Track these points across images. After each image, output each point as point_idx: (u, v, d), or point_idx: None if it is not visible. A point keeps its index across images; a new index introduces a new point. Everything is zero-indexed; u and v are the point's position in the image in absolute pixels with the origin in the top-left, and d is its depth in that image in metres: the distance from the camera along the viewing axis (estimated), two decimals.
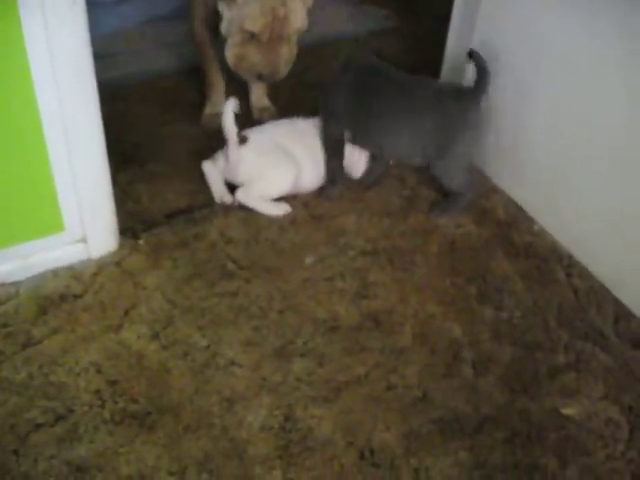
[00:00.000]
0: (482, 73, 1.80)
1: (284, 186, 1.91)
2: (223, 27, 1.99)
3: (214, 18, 2.02)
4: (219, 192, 1.93)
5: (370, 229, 1.89)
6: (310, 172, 1.96)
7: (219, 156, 1.94)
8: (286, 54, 1.99)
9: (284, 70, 2.01)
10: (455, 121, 1.83)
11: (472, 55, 1.81)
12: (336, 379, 1.51)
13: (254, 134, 1.92)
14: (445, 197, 1.98)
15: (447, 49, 2.22)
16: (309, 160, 1.96)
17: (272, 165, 1.89)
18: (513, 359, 1.59)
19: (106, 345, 1.54)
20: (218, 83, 2.26)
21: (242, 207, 1.91)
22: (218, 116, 2.24)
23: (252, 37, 1.93)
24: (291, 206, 1.93)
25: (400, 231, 1.89)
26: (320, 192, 1.99)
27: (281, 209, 1.91)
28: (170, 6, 2.77)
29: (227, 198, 1.91)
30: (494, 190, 2.05)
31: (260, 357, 1.55)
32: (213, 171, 1.94)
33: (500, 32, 1.93)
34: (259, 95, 2.31)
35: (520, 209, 1.99)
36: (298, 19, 1.96)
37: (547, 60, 1.81)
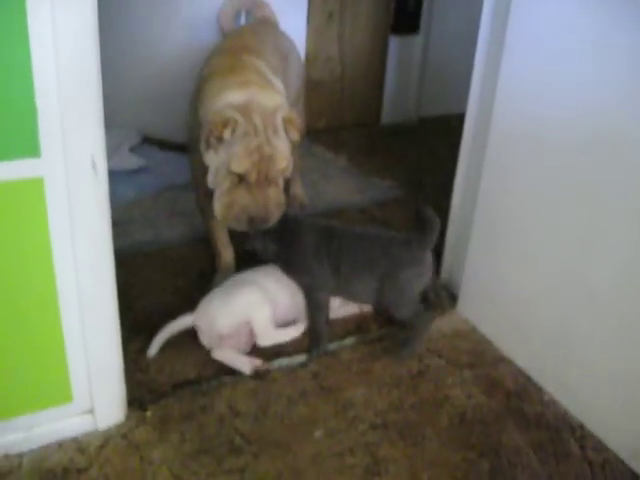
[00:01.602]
0: (430, 227, 1.95)
1: (265, 315, 1.97)
2: (210, 179, 1.96)
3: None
4: (245, 364, 1.93)
5: (379, 401, 1.87)
6: (286, 301, 2.05)
7: (211, 340, 1.98)
8: (275, 197, 1.97)
9: (276, 213, 1.99)
10: (400, 256, 1.98)
11: (420, 212, 1.97)
12: None
13: (217, 294, 2.01)
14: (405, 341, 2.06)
15: (450, 220, 2.31)
16: (282, 291, 2.04)
17: (246, 305, 1.96)
18: None
19: None
20: (226, 254, 2.31)
21: (251, 378, 1.91)
22: None
23: (240, 181, 1.91)
24: (300, 377, 1.93)
25: (410, 403, 1.87)
26: (311, 349, 2.02)
27: (250, 365, 1.92)
28: (184, 176, 2.88)
29: (256, 363, 1.93)
30: (502, 360, 2.05)
31: None
32: (224, 352, 1.95)
33: (501, 205, 2.02)
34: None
35: (529, 379, 1.98)
36: (283, 158, 1.95)
37: (546, 232, 1.87)
